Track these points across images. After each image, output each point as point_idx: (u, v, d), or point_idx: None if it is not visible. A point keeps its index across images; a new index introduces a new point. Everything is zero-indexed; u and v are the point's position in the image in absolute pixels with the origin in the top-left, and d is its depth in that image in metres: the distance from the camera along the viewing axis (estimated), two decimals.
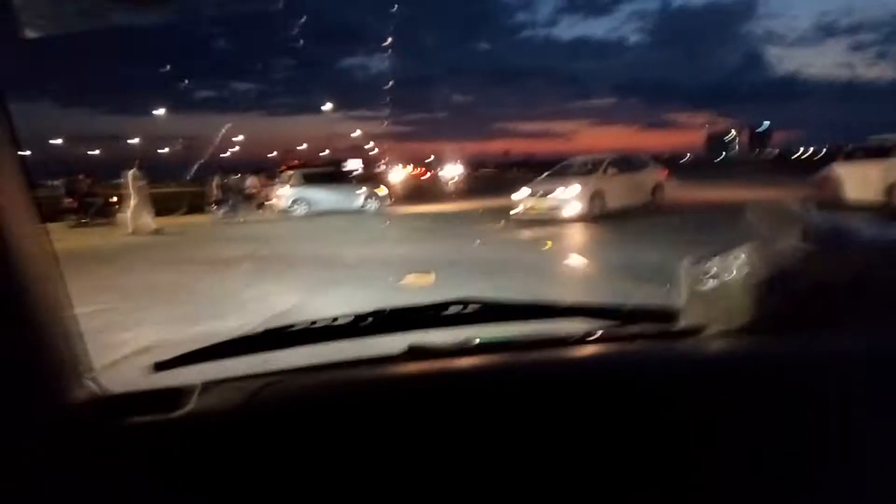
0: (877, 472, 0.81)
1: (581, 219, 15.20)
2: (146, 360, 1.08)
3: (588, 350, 1.09)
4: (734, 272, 1.12)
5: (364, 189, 23.29)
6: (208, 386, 0.97)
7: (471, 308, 1.20)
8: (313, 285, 8.59)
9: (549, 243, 12.26)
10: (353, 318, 1.16)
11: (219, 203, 21.32)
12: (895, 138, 14.19)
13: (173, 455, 0.84)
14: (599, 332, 1.16)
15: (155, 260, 12.37)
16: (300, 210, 22.03)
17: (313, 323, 1.15)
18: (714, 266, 1.15)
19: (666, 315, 1.20)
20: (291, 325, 1.15)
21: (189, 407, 0.91)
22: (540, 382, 0.94)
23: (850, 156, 15.74)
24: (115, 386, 0.95)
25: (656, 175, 18.26)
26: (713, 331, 1.11)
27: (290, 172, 23.73)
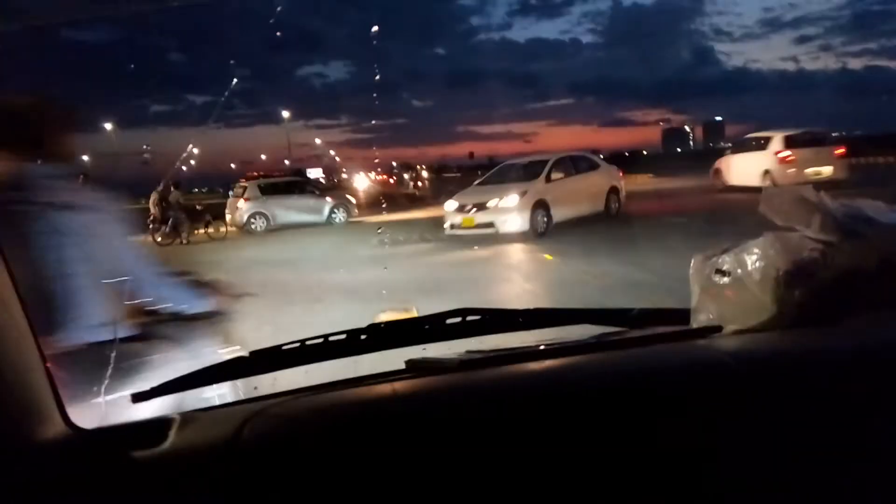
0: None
1: (522, 236, 11.85)
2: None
3: (598, 357, 1.02)
4: (749, 267, 1.06)
5: (329, 200, 21.21)
6: (189, 417, 0.89)
7: (470, 319, 1.12)
8: (257, 334, 6.94)
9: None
10: (346, 335, 1.07)
11: (157, 223, 17.43)
12: (768, 135, 17.90)
13: (147, 497, 0.76)
14: (609, 338, 1.08)
15: None
16: (258, 226, 19.70)
17: (303, 342, 1.05)
18: (726, 261, 1.09)
19: (677, 316, 1.13)
20: (280, 346, 1.05)
21: (167, 442, 0.81)
22: (550, 394, 0.86)
23: (736, 149, 19.50)
24: (88, 422, 0.86)
25: (611, 177, 14.65)
26: (729, 330, 1.04)
27: (246, 184, 20.98)
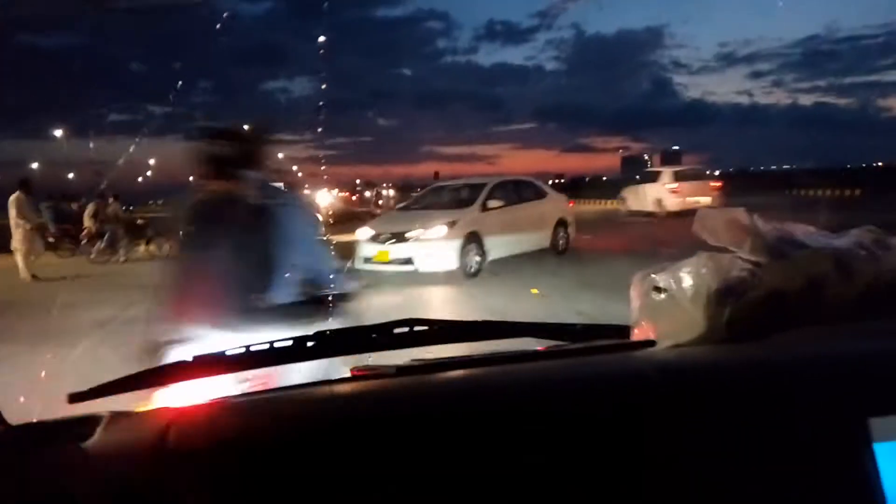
0: (820, 478, 0.80)
1: (447, 276, 9.84)
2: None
3: (539, 366, 1.05)
4: (682, 284, 1.10)
5: None
6: (120, 415, 0.89)
7: (417, 329, 1.15)
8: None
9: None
10: (292, 341, 1.08)
11: (92, 238, 15.59)
12: (661, 170, 22.31)
13: (73, 489, 0.75)
14: (550, 349, 1.12)
15: None
16: None
17: (248, 348, 1.06)
18: (663, 278, 1.14)
19: (617, 331, 1.18)
20: (224, 351, 1.06)
21: (93, 440, 0.82)
22: (489, 399, 0.89)
23: (640, 181, 23.84)
24: (16, 419, 0.87)
25: (559, 208, 12.75)
26: (663, 345, 1.09)
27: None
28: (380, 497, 0.76)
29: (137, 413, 0.91)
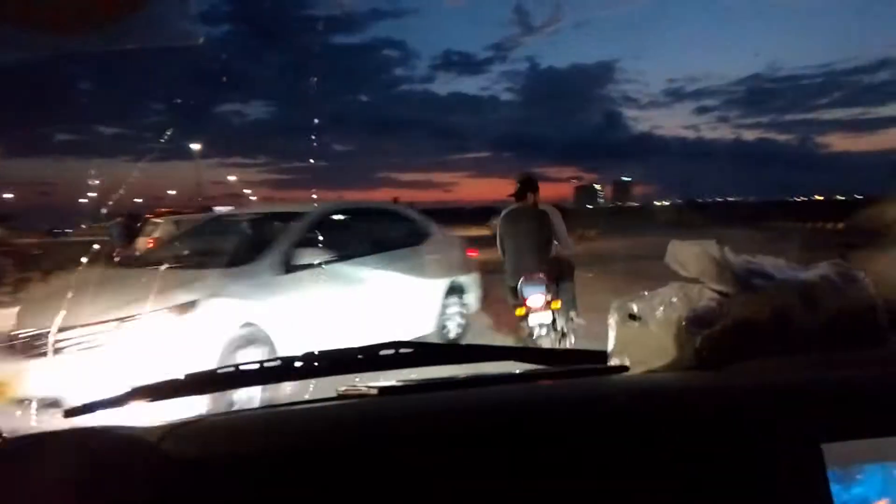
0: (784, 497, 0.83)
1: None
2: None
3: (519, 388, 1.10)
4: (655, 312, 1.15)
5: None
6: (110, 430, 0.90)
7: (403, 351, 1.18)
8: None
9: None
10: (279, 362, 1.11)
11: None
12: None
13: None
14: (530, 372, 1.15)
15: None
16: None
17: (236, 367, 1.09)
18: (637, 306, 1.18)
19: (595, 356, 1.21)
20: (215, 370, 1.09)
21: (88, 453, 0.83)
22: (470, 419, 0.92)
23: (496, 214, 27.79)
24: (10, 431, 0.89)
25: (450, 260, 7.64)
26: (639, 369, 1.12)
27: (157, 221, 16.00)
28: None
29: (131, 428, 0.92)
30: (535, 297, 5.56)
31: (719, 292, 1.13)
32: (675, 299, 1.14)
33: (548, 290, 5.60)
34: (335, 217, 6.67)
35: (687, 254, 1.16)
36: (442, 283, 7.24)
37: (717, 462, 0.84)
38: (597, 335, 1.24)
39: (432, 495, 0.80)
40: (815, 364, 1.04)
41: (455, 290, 7.45)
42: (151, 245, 12.68)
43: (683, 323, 1.10)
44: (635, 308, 1.18)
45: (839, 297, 1.11)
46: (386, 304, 6.30)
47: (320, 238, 5.92)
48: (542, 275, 5.57)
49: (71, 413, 1.01)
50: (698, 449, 0.85)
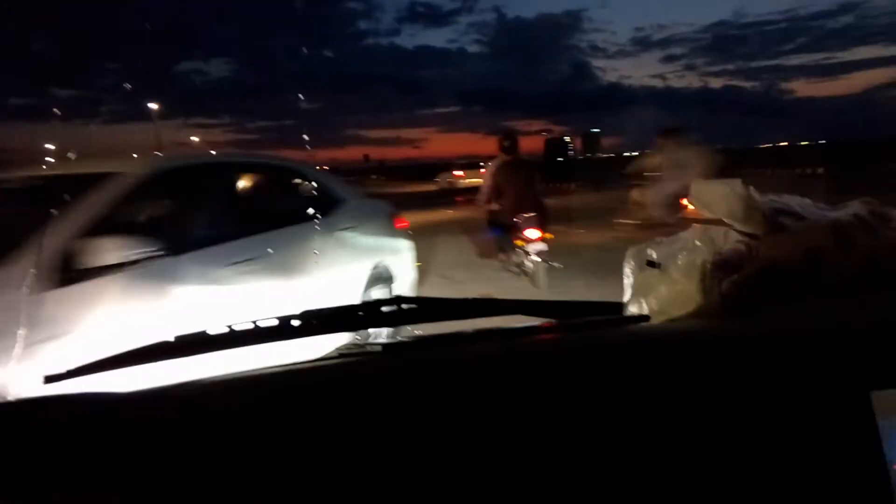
0: (821, 455, 0.79)
1: None
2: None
3: (532, 341, 1.03)
4: (676, 258, 1.08)
5: None
6: (102, 397, 0.86)
7: (406, 307, 1.12)
8: None
9: None
10: (276, 321, 1.05)
11: None
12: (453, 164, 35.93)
13: (46, 472, 0.72)
14: (543, 325, 1.09)
15: None
16: None
17: (231, 327, 1.04)
18: (657, 252, 1.11)
19: (610, 308, 1.15)
20: (205, 331, 1.03)
21: (69, 420, 0.79)
22: (482, 376, 0.86)
23: (463, 167, 34.71)
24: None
25: (376, 237, 5.16)
26: (657, 320, 1.06)
27: None
28: (371, 477, 0.72)
29: (116, 394, 0.87)
30: (532, 230, 7.21)
31: (747, 234, 1.06)
32: (698, 243, 1.07)
33: (540, 226, 7.23)
34: (172, 181, 3.67)
35: (713, 194, 1.09)
36: (359, 272, 4.74)
37: (756, 416, 0.78)
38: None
39: (444, 455, 0.75)
40: (853, 307, 0.99)
41: (380, 280, 4.99)
42: None
43: (708, 268, 1.03)
44: (654, 254, 1.11)
45: (872, 236, 1.05)
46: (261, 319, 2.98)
47: (141, 217, 3.57)
48: (535, 214, 7.21)
49: (52, 379, 0.96)
50: (734, 402, 0.79)
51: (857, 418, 0.76)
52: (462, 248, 10.42)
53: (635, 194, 9.53)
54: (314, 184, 4.85)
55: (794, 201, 1.09)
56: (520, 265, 7.53)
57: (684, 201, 7.98)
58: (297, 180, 4.93)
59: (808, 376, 0.83)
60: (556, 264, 7.31)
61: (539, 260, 7.15)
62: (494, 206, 7.57)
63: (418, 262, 5.76)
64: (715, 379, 0.82)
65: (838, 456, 0.77)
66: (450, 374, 0.88)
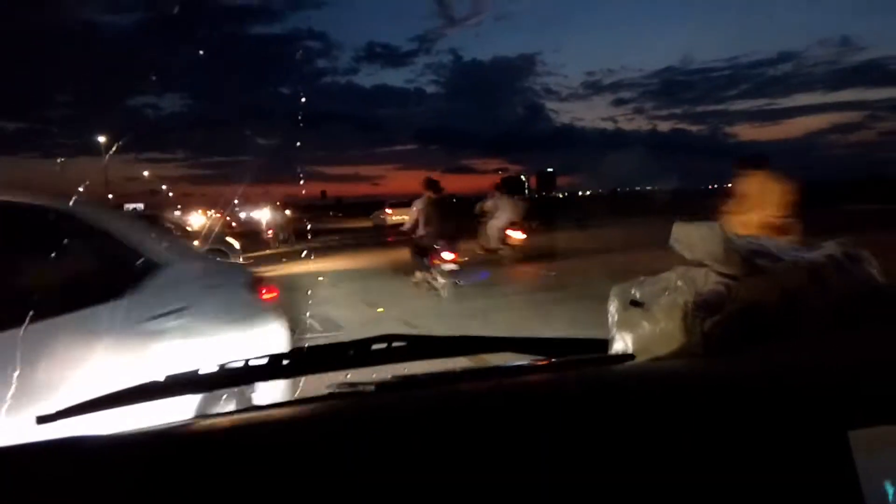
0: (800, 493, 0.81)
1: None
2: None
3: (519, 381, 1.04)
4: (658, 298, 1.10)
5: (201, 244, 13.74)
6: (96, 439, 0.85)
7: (396, 345, 1.13)
8: None
9: None
10: (267, 359, 1.06)
11: None
12: (385, 203, 41.52)
13: None
14: (530, 364, 1.10)
15: None
16: None
17: (223, 367, 1.04)
18: (640, 292, 1.13)
19: (595, 345, 1.17)
20: (197, 371, 1.04)
21: (62, 463, 0.79)
22: (472, 415, 0.88)
23: (392, 206, 39.76)
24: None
25: (212, 325, 2.95)
26: (644, 357, 1.08)
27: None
28: None
29: (108, 436, 0.87)
30: (447, 253, 9.78)
31: (725, 275, 1.09)
32: (679, 283, 1.10)
33: (454, 251, 9.86)
34: None
35: (693, 236, 1.12)
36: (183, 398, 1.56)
37: (736, 454, 0.80)
38: None
39: (436, 493, 0.75)
40: (829, 347, 1.02)
41: (230, 396, 2.77)
42: None
43: (689, 308, 1.06)
44: (637, 293, 1.13)
45: (847, 276, 1.09)
46: None
47: None
48: (452, 241, 9.85)
49: (44, 420, 0.96)
50: (715, 440, 0.81)
51: (835, 457, 0.78)
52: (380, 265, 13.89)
53: (480, 228, 13.99)
54: (108, 238, 2.84)
55: (771, 243, 1.13)
56: (432, 280, 10.09)
57: (507, 233, 13.88)
58: (73, 232, 2.76)
59: (787, 416, 0.85)
60: (460, 282, 9.95)
61: (449, 276, 9.79)
62: (420, 233, 10.05)
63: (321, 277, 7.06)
64: (697, 419, 0.84)
65: (817, 495, 0.79)
66: (441, 414, 0.89)
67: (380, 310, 9.42)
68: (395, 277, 12.60)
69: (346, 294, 11.66)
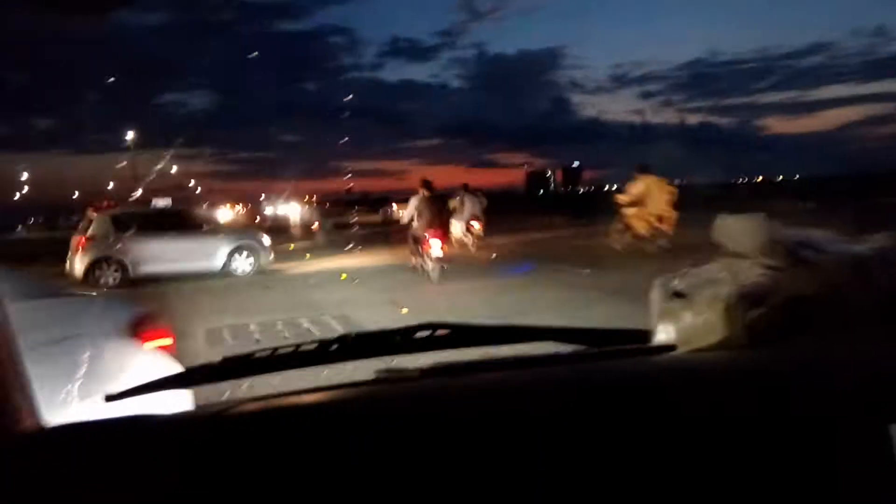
0: (839, 486, 0.81)
1: None
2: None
3: (561, 370, 1.06)
4: (701, 290, 1.11)
5: (227, 238, 15.32)
6: (158, 418, 0.89)
7: (439, 333, 1.16)
8: None
9: None
10: (317, 344, 1.10)
11: None
12: (388, 199, 46.02)
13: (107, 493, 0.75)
14: (572, 353, 1.11)
15: None
16: (108, 279, 13.94)
17: (275, 350, 1.09)
18: (682, 284, 1.14)
19: (638, 336, 1.18)
20: (251, 354, 1.08)
21: (134, 441, 0.82)
22: (514, 402, 0.89)
23: (397, 202, 41.10)
24: (60, 419, 0.88)
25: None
26: (683, 349, 1.09)
27: (95, 217, 14.61)
28: (406, 500, 0.75)
29: (172, 415, 0.91)
30: (436, 241, 11.90)
31: (770, 267, 1.09)
32: (722, 275, 1.10)
33: (442, 240, 12.04)
34: None
35: (737, 228, 1.13)
36: None
37: (777, 446, 0.81)
38: None
39: (478, 479, 0.77)
40: (873, 340, 1.02)
41: None
42: None
43: (732, 300, 1.06)
44: (680, 285, 1.14)
45: (892, 270, 1.09)
46: None
47: None
48: (440, 231, 12.01)
49: (112, 398, 1.01)
50: (756, 432, 0.82)
51: (876, 451, 0.79)
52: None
53: (450, 222, 15.73)
54: None
55: (816, 234, 1.13)
56: (422, 266, 12.23)
57: (470, 223, 17.62)
58: None
59: (828, 409, 0.85)
60: (446, 266, 11.96)
61: (436, 263, 11.84)
62: (415, 225, 12.22)
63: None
64: (738, 410, 0.85)
65: (857, 488, 0.79)
66: (484, 401, 0.91)
67: (404, 310, 9.19)
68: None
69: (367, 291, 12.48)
